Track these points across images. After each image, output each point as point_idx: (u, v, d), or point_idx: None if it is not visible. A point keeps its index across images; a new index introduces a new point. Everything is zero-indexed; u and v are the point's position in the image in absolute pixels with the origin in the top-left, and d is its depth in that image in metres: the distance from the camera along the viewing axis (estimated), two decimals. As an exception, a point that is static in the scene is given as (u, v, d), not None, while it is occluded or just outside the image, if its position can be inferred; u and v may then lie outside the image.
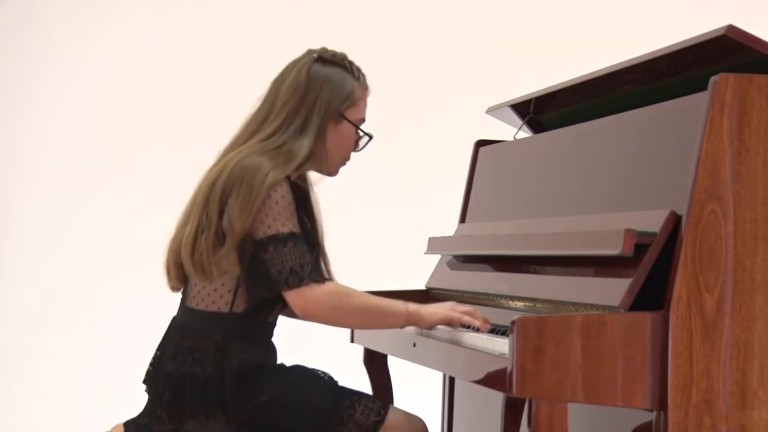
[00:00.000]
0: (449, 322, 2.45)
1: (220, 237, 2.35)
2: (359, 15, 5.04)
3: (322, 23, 5.01)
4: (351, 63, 2.54)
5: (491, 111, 3.25)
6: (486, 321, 2.46)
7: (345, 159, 2.56)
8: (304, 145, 2.43)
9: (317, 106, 2.46)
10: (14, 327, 4.97)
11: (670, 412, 2.04)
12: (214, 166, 2.44)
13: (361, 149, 2.59)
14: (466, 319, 2.43)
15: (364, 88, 2.55)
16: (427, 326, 2.46)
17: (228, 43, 5.03)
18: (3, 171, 5.03)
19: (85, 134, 5.02)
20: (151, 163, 4.99)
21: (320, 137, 2.46)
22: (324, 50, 2.54)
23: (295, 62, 2.52)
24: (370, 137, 2.56)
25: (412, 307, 2.44)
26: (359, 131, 2.54)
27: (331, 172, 2.56)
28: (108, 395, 4.73)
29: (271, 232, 2.32)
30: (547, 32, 5.02)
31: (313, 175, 2.59)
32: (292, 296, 2.33)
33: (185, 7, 5.07)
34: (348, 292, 2.39)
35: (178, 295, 2.51)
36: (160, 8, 5.05)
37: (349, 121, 2.51)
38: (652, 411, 2.09)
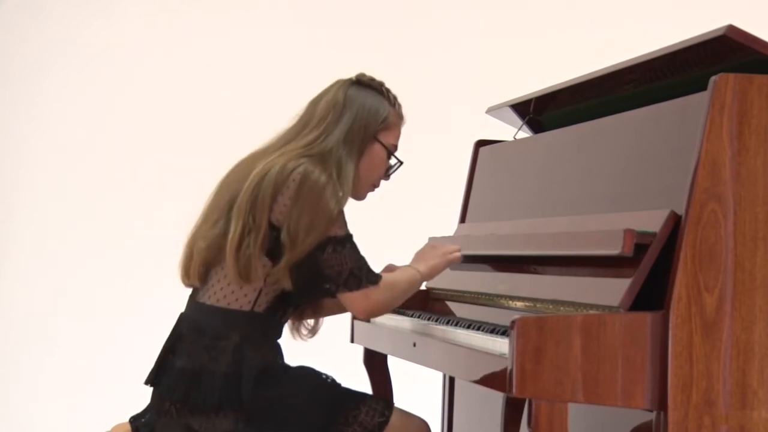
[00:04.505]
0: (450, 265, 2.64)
1: (267, 240, 2.35)
2: (359, 15, 5.04)
3: (322, 24, 5.01)
4: (388, 90, 2.59)
5: (491, 111, 3.25)
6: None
7: (374, 185, 2.60)
8: (350, 162, 2.47)
9: (357, 125, 2.50)
10: (16, 327, 4.97)
11: (670, 412, 2.04)
12: (247, 166, 2.44)
13: (390, 176, 2.62)
14: (457, 255, 2.63)
15: (399, 115, 2.60)
16: (434, 276, 2.64)
17: (230, 44, 5.03)
18: (3, 171, 5.03)
19: (85, 134, 5.02)
20: (152, 162, 4.99)
21: (359, 158, 2.50)
22: (362, 75, 2.58)
23: (332, 84, 2.57)
24: (401, 163, 2.60)
25: (422, 267, 2.57)
26: (391, 156, 2.57)
27: (359, 195, 2.59)
28: (111, 393, 4.73)
29: (331, 233, 2.36)
30: (547, 32, 5.02)
31: None
32: (352, 298, 2.39)
33: (187, 7, 5.06)
34: (392, 283, 2.47)
35: (181, 294, 2.51)
36: (161, 8, 5.05)
37: (382, 144, 2.54)
38: (652, 411, 2.09)
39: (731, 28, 2.19)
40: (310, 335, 2.62)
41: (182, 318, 2.48)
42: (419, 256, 2.64)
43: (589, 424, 2.43)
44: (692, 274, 2.07)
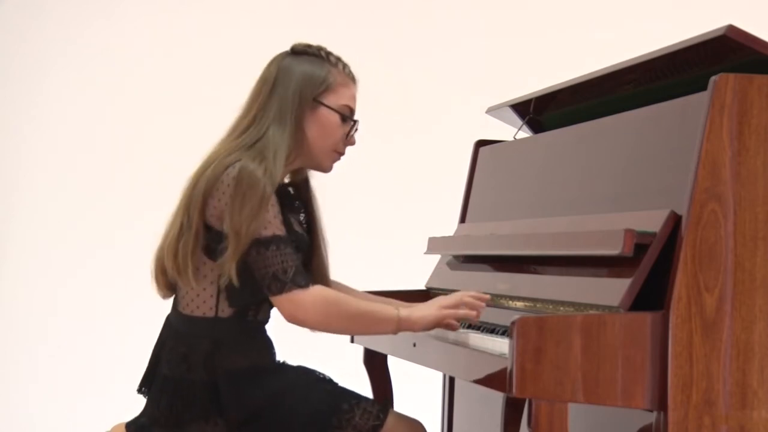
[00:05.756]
0: (441, 324, 2.39)
1: (199, 239, 2.31)
2: (359, 15, 5.04)
3: (322, 24, 5.01)
4: (328, 52, 2.47)
5: (491, 111, 3.25)
6: (480, 301, 2.39)
7: (334, 150, 2.47)
8: (283, 137, 2.36)
9: (290, 94, 2.39)
10: (16, 327, 4.97)
11: (670, 412, 2.04)
12: (196, 169, 2.40)
13: (352, 141, 2.48)
14: (461, 313, 2.37)
15: (345, 75, 2.47)
16: (419, 330, 2.40)
17: (230, 44, 5.03)
18: (3, 171, 5.03)
19: (85, 134, 5.02)
20: (151, 163, 4.99)
21: (299, 128, 2.39)
22: (296, 44, 2.48)
23: (270, 60, 2.48)
24: (355, 122, 2.47)
25: (404, 312, 2.37)
26: (345, 119, 2.45)
27: (322, 165, 2.48)
28: (108, 395, 4.73)
29: (256, 234, 2.26)
30: (547, 32, 5.02)
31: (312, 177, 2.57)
32: (276, 301, 2.30)
33: (187, 7, 5.06)
34: (336, 299, 2.32)
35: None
36: (161, 8, 5.05)
37: (328, 107, 2.42)
38: (652, 411, 2.09)
39: (731, 28, 2.19)
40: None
41: (166, 323, 2.46)
42: (424, 303, 2.47)
43: (589, 424, 2.43)
44: (692, 274, 2.07)
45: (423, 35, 5.04)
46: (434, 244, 3.09)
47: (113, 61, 5.02)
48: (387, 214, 4.97)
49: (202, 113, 4.93)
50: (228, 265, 2.26)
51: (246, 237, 2.25)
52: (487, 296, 2.42)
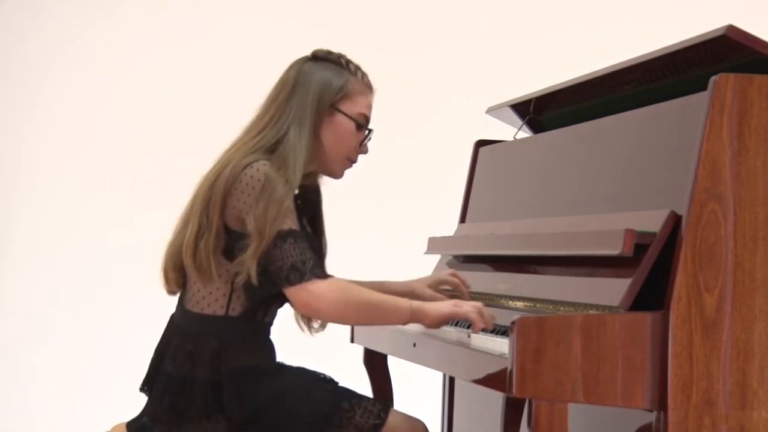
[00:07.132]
0: (455, 318, 2.40)
1: (220, 238, 2.32)
2: (358, 14, 5.04)
3: (321, 22, 5.01)
4: (348, 60, 2.49)
5: (491, 111, 3.25)
6: (491, 318, 2.39)
7: (346, 158, 2.49)
8: (302, 142, 2.38)
9: (309, 99, 2.41)
10: (15, 326, 4.97)
11: (670, 412, 2.05)
12: (212, 167, 2.41)
13: (366, 149, 2.51)
14: (473, 316, 2.36)
15: (363, 84, 2.49)
16: (430, 323, 2.39)
17: (228, 43, 5.03)
18: (3, 171, 5.03)
19: (85, 134, 5.02)
20: (151, 162, 4.99)
21: (316, 134, 2.41)
22: (318, 50, 2.50)
23: (290, 65, 2.50)
24: (369, 131, 2.50)
25: (416, 303, 2.39)
26: (360, 127, 2.47)
27: (333, 172, 2.50)
28: (108, 394, 4.73)
29: (276, 230, 2.28)
30: (547, 32, 5.02)
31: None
32: (293, 292, 2.29)
33: (187, 7, 5.06)
34: (351, 288, 2.35)
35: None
36: (161, 8, 5.05)
37: (345, 114, 2.44)
38: (652, 411, 2.09)
39: (731, 28, 2.19)
40: (321, 329, 2.52)
41: (170, 322, 2.47)
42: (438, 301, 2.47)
43: (589, 424, 2.43)
44: (692, 274, 2.07)
45: (423, 35, 5.04)
46: (434, 244, 3.10)
47: (113, 61, 5.02)
48: (387, 214, 4.97)
49: (202, 113, 4.94)
50: (249, 262, 2.27)
51: (269, 236, 2.27)
52: (494, 318, 2.39)
